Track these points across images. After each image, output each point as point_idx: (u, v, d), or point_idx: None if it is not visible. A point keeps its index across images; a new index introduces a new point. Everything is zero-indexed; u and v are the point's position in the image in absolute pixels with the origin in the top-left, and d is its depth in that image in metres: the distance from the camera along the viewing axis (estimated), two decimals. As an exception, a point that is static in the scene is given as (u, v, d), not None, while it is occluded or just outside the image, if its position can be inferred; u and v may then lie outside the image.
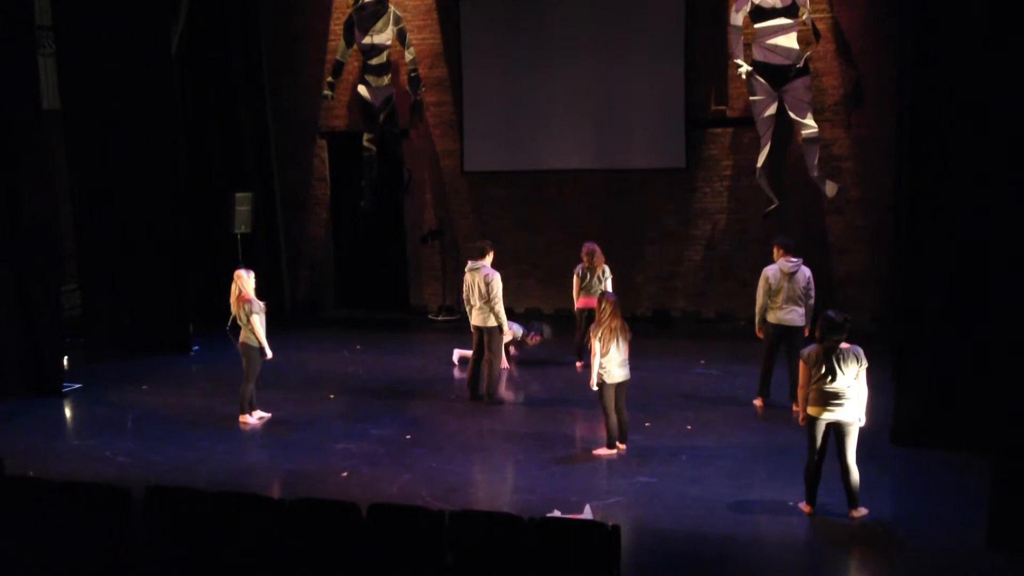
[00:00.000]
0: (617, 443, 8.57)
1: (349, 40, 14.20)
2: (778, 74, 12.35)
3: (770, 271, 9.51)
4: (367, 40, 13.97)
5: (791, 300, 9.40)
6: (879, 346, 11.25)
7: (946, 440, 8.16)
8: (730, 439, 8.86)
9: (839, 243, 13.12)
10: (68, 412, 10.48)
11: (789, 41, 12.30)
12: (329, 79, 14.52)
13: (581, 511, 7.06)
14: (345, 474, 8.41)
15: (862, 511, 7.08)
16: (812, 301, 9.49)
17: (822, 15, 12.66)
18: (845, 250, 13.10)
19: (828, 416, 6.96)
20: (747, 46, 12.58)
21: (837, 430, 6.98)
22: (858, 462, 7.01)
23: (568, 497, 7.50)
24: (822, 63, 12.80)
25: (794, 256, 9.46)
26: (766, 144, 12.52)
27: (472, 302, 10.07)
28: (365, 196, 14.34)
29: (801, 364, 7.10)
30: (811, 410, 7.01)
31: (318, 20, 14.75)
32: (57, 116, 12.20)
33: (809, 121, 12.34)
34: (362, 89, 14.16)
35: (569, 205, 14.11)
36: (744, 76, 12.57)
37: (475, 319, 10.09)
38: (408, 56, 14.13)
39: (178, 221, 12.63)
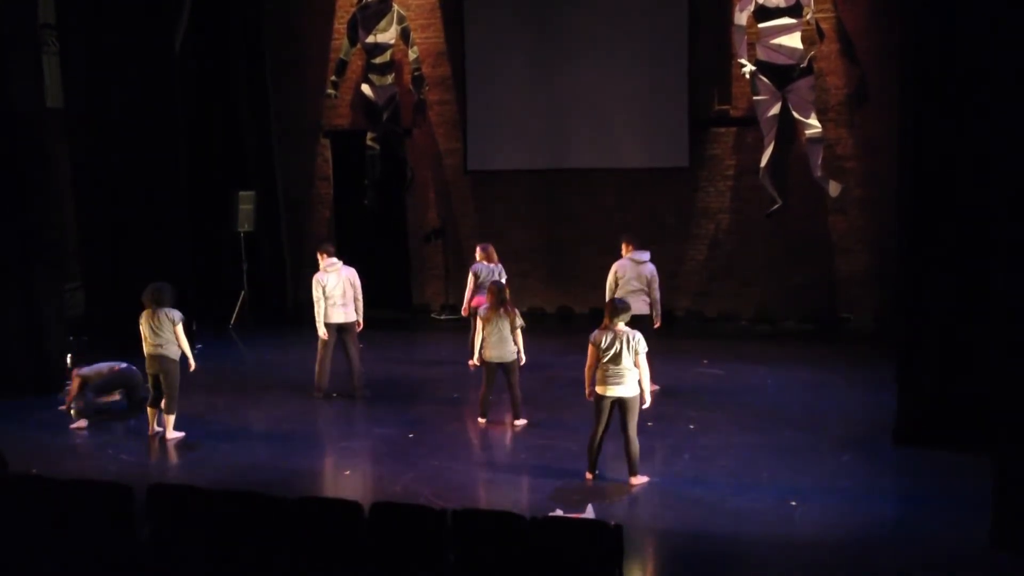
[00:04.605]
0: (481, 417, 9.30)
1: (353, 39, 14.21)
2: (782, 74, 12.34)
3: (619, 265, 9.97)
4: (371, 39, 13.98)
5: (638, 291, 9.79)
6: (882, 346, 11.31)
7: (949, 440, 8.14)
8: (733, 439, 8.84)
9: (842, 243, 13.11)
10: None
11: (793, 41, 12.29)
12: (332, 78, 14.53)
13: (583, 510, 7.05)
14: (348, 473, 8.42)
15: (642, 479, 7.70)
16: (657, 295, 9.90)
17: (826, 15, 12.64)
18: (848, 250, 13.09)
19: (612, 393, 7.55)
20: (751, 46, 12.58)
21: (621, 405, 7.57)
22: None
23: (571, 496, 7.50)
24: (826, 63, 12.79)
25: (643, 250, 9.98)
26: (769, 144, 12.51)
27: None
28: (368, 195, 14.34)
29: (590, 347, 7.59)
30: (598, 388, 7.61)
31: (321, 19, 14.76)
32: (60, 114, 12.20)
33: (813, 121, 12.33)
34: (365, 88, 14.16)
35: (572, 204, 14.10)
36: (748, 76, 12.56)
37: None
38: (412, 55, 14.13)
39: (181, 220, 12.63)
